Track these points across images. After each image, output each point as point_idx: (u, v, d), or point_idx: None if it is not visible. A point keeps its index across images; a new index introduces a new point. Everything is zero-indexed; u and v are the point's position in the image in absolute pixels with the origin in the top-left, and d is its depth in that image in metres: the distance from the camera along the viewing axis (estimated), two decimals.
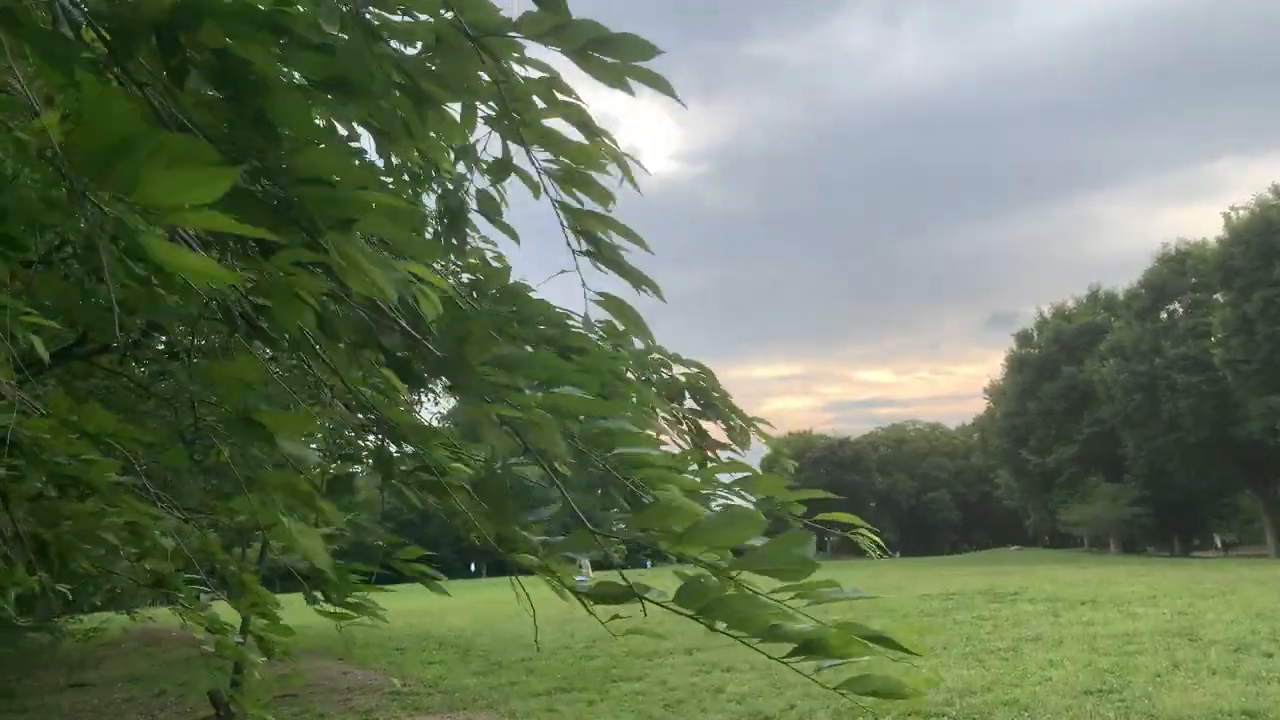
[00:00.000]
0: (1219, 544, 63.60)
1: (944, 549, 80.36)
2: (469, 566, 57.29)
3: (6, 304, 1.93)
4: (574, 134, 1.77)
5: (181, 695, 12.16)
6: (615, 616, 1.44)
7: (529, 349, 2.06)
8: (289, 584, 2.53)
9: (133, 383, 6.57)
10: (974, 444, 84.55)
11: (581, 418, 1.62)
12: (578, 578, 1.83)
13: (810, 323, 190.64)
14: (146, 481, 2.54)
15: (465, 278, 2.30)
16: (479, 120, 1.83)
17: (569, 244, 1.85)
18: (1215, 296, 47.63)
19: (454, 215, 1.92)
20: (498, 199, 2.22)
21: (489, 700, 10.86)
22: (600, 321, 2.14)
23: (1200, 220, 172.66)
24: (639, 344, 2.45)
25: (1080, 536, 63.88)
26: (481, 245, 2.63)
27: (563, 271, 2.05)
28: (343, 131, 1.95)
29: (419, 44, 1.57)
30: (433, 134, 1.75)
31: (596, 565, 1.94)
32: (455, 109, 1.79)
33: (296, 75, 1.48)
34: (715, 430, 2.60)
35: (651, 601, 1.42)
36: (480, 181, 2.17)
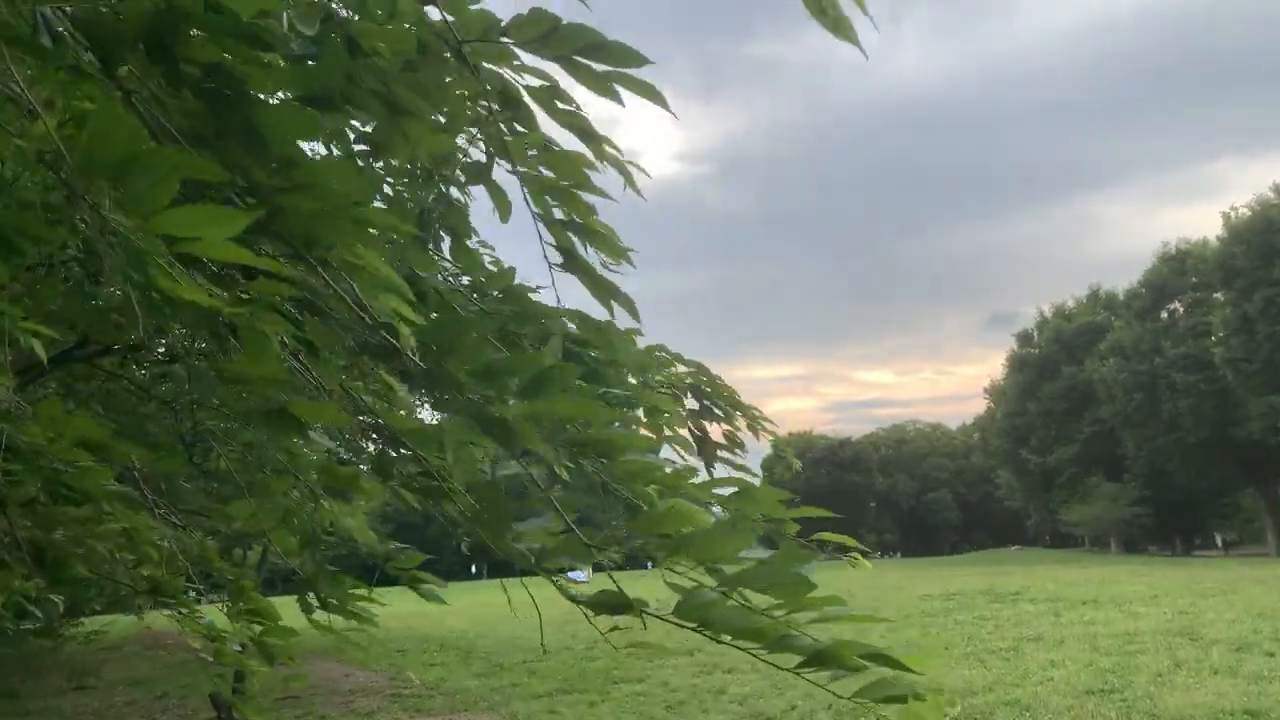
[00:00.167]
0: (1220, 543, 63.56)
1: (944, 549, 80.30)
2: (470, 568, 57.24)
3: (4, 309, 1.93)
4: (572, 142, 1.76)
5: (183, 698, 12.16)
6: (615, 628, 1.42)
7: (528, 349, 2.07)
8: (291, 585, 2.54)
9: (134, 385, 6.57)
10: (974, 444, 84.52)
11: (577, 425, 1.62)
12: (575, 575, 1.83)
13: (811, 323, 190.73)
14: (143, 488, 2.54)
15: (464, 280, 2.29)
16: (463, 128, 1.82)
17: (545, 256, 1.84)
18: (1215, 296, 47.62)
19: (425, 221, 1.91)
20: (465, 207, 2.21)
21: (490, 702, 10.85)
22: (603, 321, 2.14)
23: (1200, 220, 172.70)
24: (641, 343, 2.45)
25: (1081, 536, 63.85)
26: (478, 249, 2.63)
27: (539, 288, 2.05)
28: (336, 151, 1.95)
29: (399, 53, 1.56)
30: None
31: (597, 566, 1.94)
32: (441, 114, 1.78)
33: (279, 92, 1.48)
34: (714, 432, 2.60)
35: (651, 615, 1.40)
36: (457, 191, 2.17)
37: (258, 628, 2.44)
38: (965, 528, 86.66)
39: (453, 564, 49.42)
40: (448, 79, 1.63)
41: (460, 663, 14.19)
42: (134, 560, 2.55)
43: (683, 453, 2.62)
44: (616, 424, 1.88)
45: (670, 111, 1.62)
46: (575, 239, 1.80)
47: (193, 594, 2.77)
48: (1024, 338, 65.44)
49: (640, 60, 1.53)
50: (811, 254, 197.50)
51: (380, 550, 2.34)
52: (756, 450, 2.97)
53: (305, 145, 1.95)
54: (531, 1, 1.50)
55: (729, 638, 1.35)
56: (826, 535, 2.25)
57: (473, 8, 1.52)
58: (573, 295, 2.02)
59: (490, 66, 1.62)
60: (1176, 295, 52.60)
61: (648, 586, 1.59)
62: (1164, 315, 53.00)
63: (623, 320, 2.07)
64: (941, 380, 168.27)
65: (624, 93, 1.58)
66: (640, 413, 2.27)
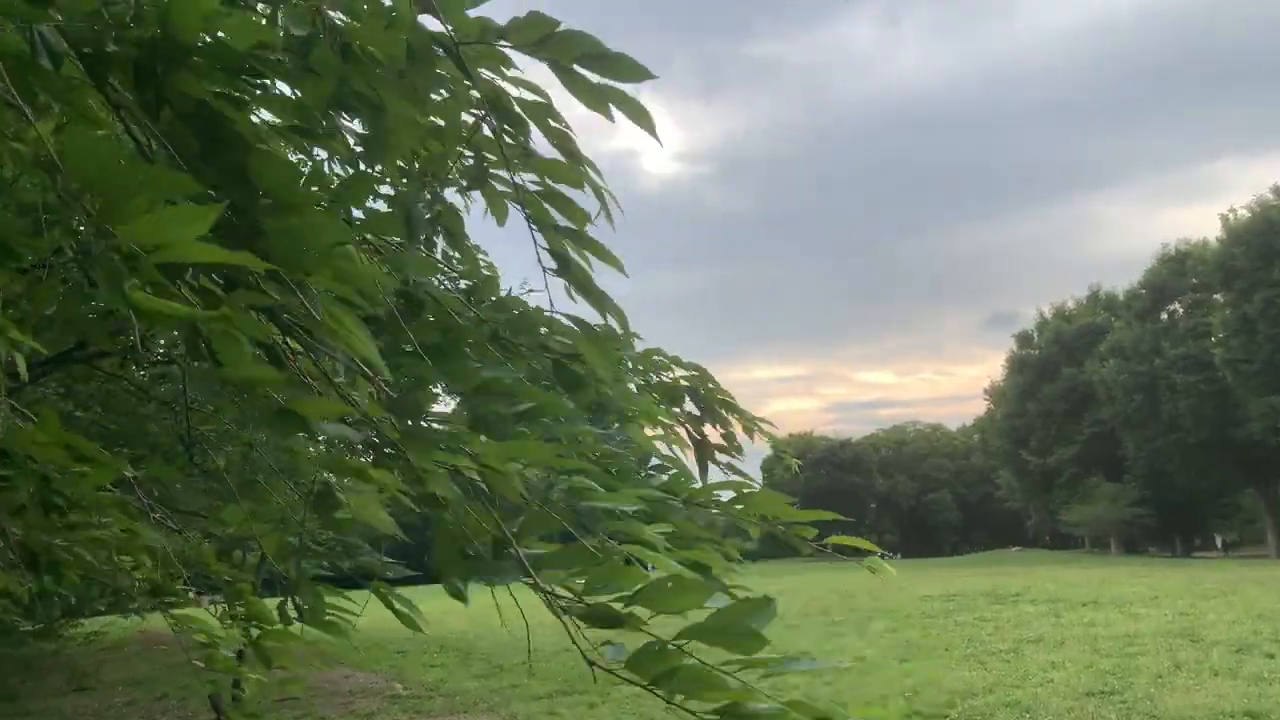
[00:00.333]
0: (1219, 544, 63.57)
1: (945, 550, 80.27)
2: None
3: None
4: (556, 154, 1.75)
5: (183, 699, 12.15)
6: (607, 642, 1.40)
7: (523, 353, 2.06)
8: (287, 588, 2.53)
9: (134, 386, 6.57)
10: (974, 445, 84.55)
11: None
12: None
13: (811, 323, 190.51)
14: (139, 493, 2.53)
15: (463, 284, 2.29)
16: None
17: (541, 263, 1.83)
18: (1215, 297, 47.63)
19: (413, 221, 1.90)
20: (464, 211, 2.20)
21: (490, 703, 10.85)
22: (600, 326, 2.13)
23: (1201, 220, 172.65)
24: (640, 345, 2.44)
25: (1081, 537, 63.85)
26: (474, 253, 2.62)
27: (531, 290, 2.04)
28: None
29: (390, 57, 1.54)
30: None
31: None
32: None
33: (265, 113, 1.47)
34: (712, 435, 2.59)
35: (604, 670, 1.37)
36: (458, 194, 2.16)
37: (255, 631, 2.42)
38: (965, 528, 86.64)
39: None
40: (442, 85, 1.63)
41: (460, 664, 14.19)
42: (130, 564, 2.54)
43: (682, 449, 2.62)
44: (617, 434, 1.89)
45: (656, 138, 1.59)
46: (569, 244, 1.79)
47: (190, 595, 2.76)
48: (1024, 339, 65.48)
49: (641, 73, 1.51)
50: (811, 254, 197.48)
51: (376, 564, 2.33)
52: (756, 452, 2.96)
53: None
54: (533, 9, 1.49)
55: (680, 698, 1.29)
56: (841, 539, 2.25)
57: (471, 14, 1.50)
58: (569, 299, 2.01)
59: (487, 75, 1.60)
60: (1176, 296, 52.62)
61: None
62: (1164, 316, 53.02)
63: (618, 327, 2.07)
64: (942, 381, 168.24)
65: (625, 89, 1.57)
66: (637, 422, 2.26)
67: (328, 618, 2.18)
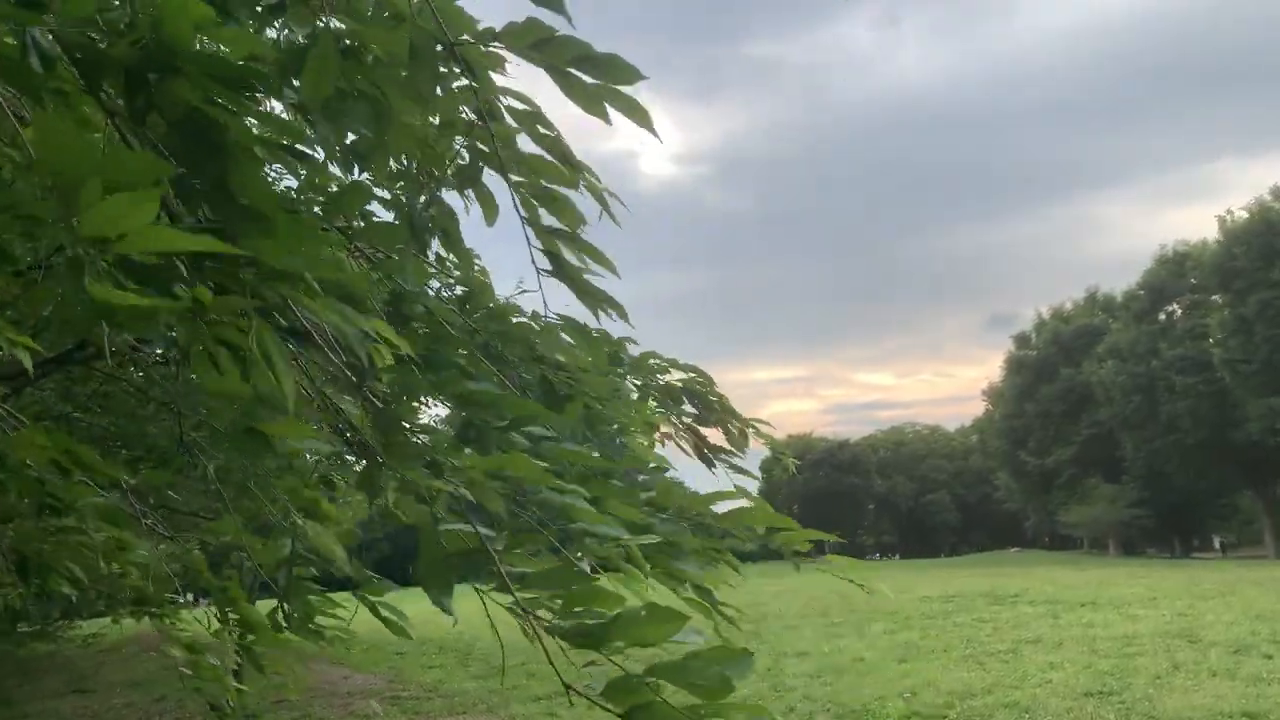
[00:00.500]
0: (1218, 545, 63.59)
1: (943, 551, 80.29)
2: None
3: None
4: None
5: (181, 701, 12.14)
6: (591, 663, 1.39)
7: (514, 364, 2.06)
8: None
9: (132, 387, 6.56)
10: (973, 446, 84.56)
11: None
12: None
13: (810, 324, 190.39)
14: (131, 499, 2.52)
15: (459, 290, 2.28)
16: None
17: (534, 263, 1.83)
18: (1214, 298, 47.67)
19: (415, 226, 1.90)
20: (460, 211, 2.20)
21: (489, 704, 10.84)
22: (597, 330, 2.13)
23: (1201, 220, 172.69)
24: (635, 350, 2.45)
25: (1079, 538, 63.84)
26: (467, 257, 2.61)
27: (525, 291, 2.04)
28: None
29: (391, 56, 1.55)
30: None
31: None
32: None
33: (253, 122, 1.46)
34: (715, 435, 2.60)
35: (580, 694, 1.36)
36: (454, 194, 2.16)
37: (249, 636, 2.41)
38: (964, 529, 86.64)
39: None
40: (439, 84, 1.63)
41: (459, 665, 14.18)
42: (119, 571, 2.53)
43: (688, 447, 2.62)
44: (618, 436, 1.88)
45: (654, 133, 1.60)
46: (563, 245, 1.79)
47: (181, 602, 2.75)
48: (1022, 340, 65.50)
49: (634, 75, 1.52)
50: (811, 254, 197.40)
51: (354, 573, 2.32)
52: (755, 453, 2.96)
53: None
54: (531, 13, 1.50)
55: None
56: (836, 557, 2.23)
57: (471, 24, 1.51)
58: (561, 298, 2.01)
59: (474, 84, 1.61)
60: (1175, 297, 52.65)
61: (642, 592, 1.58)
62: (1162, 317, 53.05)
63: (615, 328, 2.07)
64: (941, 382, 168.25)
65: (620, 92, 1.57)
66: (630, 430, 2.26)
67: (317, 625, 2.18)
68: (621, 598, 1.41)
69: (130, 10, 1.23)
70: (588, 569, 1.60)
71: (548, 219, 1.82)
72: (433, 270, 2.34)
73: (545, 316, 2.03)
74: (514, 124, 1.67)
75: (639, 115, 1.57)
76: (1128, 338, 52.24)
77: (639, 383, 2.51)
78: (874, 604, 18.59)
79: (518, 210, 1.79)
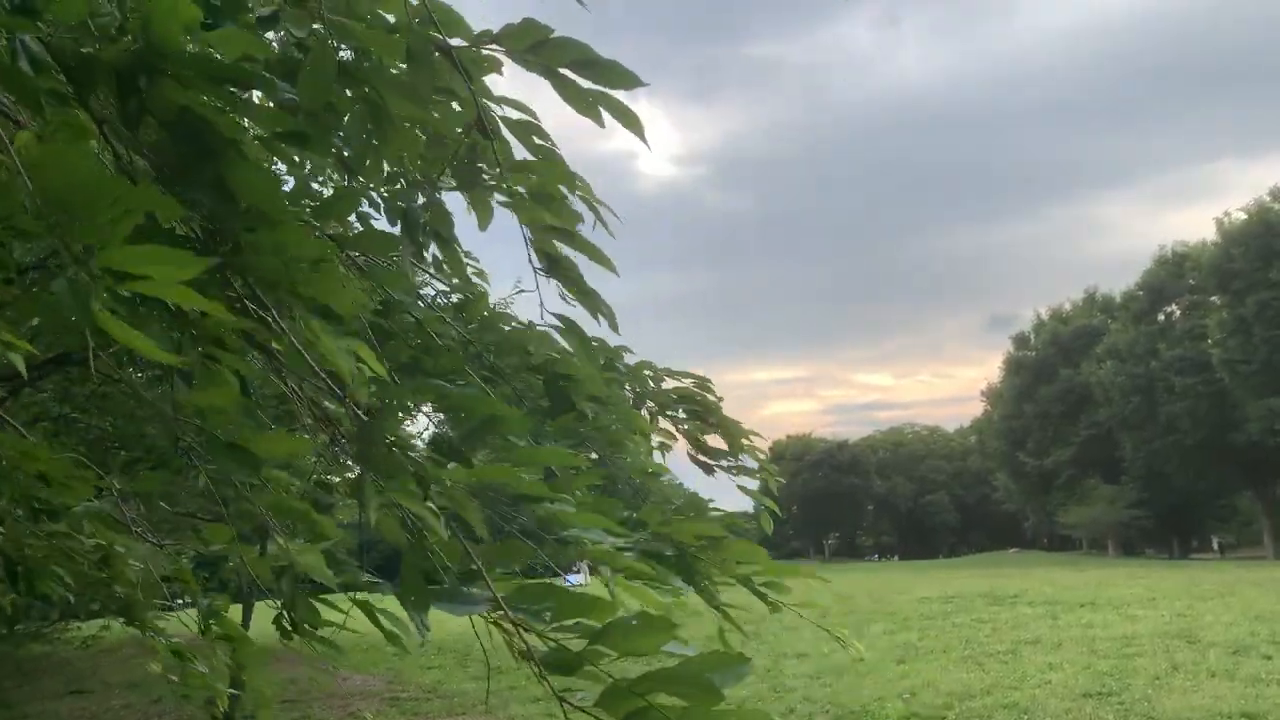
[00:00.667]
0: (1216, 546, 63.60)
1: (942, 551, 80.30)
2: None
3: None
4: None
5: (179, 702, 12.12)
6: (568, 690, 1.38)
7: (506, 375, 2.05)
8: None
9: (130, 388, 6.56)
10: (972, 447, 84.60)
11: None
12: (571, 578, 1.82)
13: (810, 325, 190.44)
14: (121, 506, 2.51)
15: (455, 297, 2.27)
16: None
17: (531, 262, 1.83)
18: (1212, 299, 47.70)
19: (410, 228, 1.89)
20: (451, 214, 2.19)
21: (488, 705, 10.84)
22: (596, 340, 2.12)
23: (1201, 221, 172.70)
24: (631, 358, 2.44)
25: (1079, 539, 63.89)
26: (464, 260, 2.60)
27: (522, 290, 2.04)
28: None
29: (389, 59, 1.54)
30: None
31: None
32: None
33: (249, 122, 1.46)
34: (715, 440, 2.59)
35: (574, 706, 1.35)
36: (448, 196, 2.15)
37: (231, 646, 2.39)
38: (963, 530, 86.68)
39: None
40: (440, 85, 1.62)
41: (458, 665, 14.17)
42: (108, 578, 2.52)
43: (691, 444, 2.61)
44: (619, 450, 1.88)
45: (645, 142, 1.60)
46: (560, 245, 1.79)
47: (173, 606, 2.74)
48: (1020, 340, 65.54)
49: (633, 81, 1.51)
50: (811, 255, 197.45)
51: (350, 578, 2.30)
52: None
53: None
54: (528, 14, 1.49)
55: None
56: (819, 579, 2.22)
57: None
58: (560, 299, 2.00)
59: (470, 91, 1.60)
60: (1174, 298, 52.69)
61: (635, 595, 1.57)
62: (1161, 318, 53.08)
63: (613, 335, 2.06)
64: (941, 383, 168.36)
65: (618, 95, 1.57)
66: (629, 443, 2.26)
67: (322, 634, 2.17)
68: (613, 606, 1.40)
69: (120, 14, 1.22)
70: (586, 572, 1.60)
71: (546, 218, 1.82)
72: (429, 274, 2.33)
73: (542, 319, 2.03)
74: (509, 135, 1.66)
75: (632, 122, 1.57)
76: (1127, 338, 52.27)
77: (636, 390, 2.51)
78: (874, 605, 18.59)
79: (515, 212, 1.79)
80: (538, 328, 2.00)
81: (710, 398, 2.53)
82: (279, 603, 2.10)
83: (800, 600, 2.23)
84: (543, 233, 1.77)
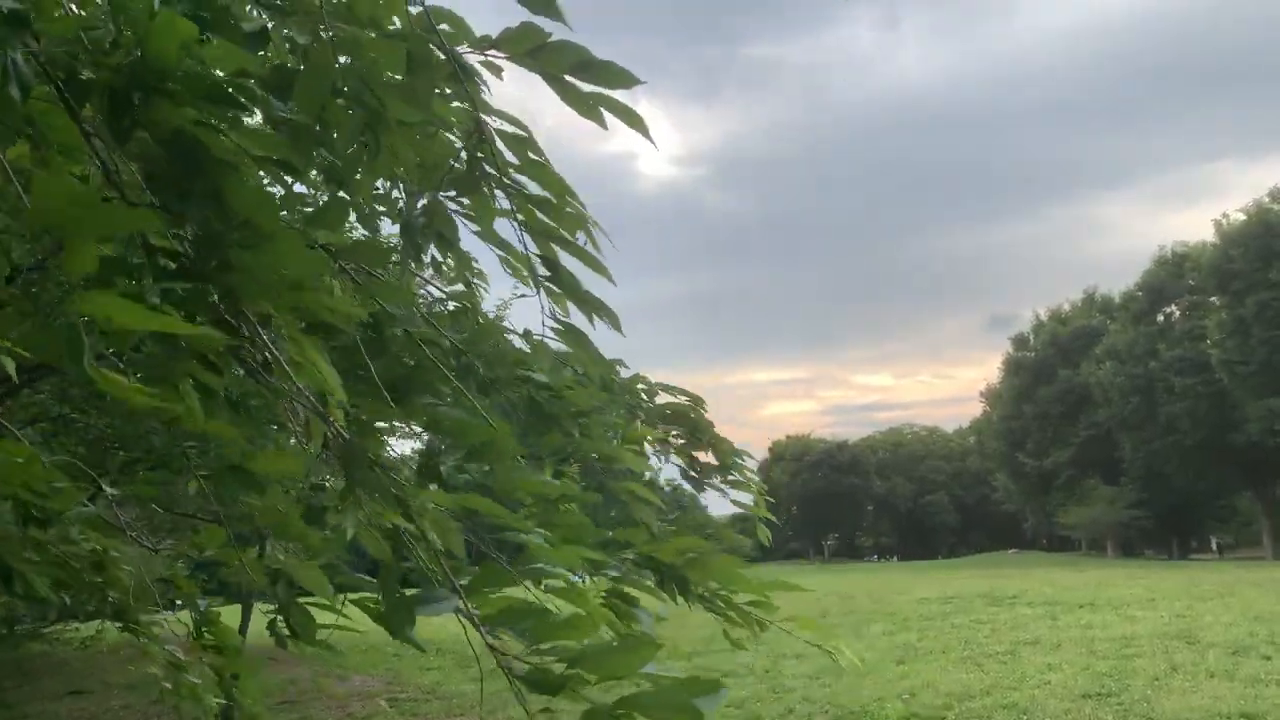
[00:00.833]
0: (1215, 546, 63.60)
1: (942, 552, 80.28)
2: None
3: None
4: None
5: (178, 704, 12.12)
6: (546, 709, 1.37)
7: (498, 387, 2.04)
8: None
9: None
10: (971, 447, 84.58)
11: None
12: (572, 577, 1.81)
13: (810, 325, 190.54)
14: (116, 510, 2.51)
15: (451, 305, 2.26)
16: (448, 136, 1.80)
17: (532, 270, 1.82)
18: (1212, 299, 47.71)
19: (409, 229, 1.89)
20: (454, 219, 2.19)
21: (488, 706, 10.83)
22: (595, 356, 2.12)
23: (1201, 221, 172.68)
24: (625, 372, 2.44)
25: (1078, 539, 63.85)
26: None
27: (522, 295, 2.03)
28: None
29: (389, 65, 1.53)
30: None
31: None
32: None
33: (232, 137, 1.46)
34: (705, 455, 2.61)
35: (585, 697, 1.34)
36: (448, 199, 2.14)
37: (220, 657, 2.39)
38: (963, 530, 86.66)
39: None
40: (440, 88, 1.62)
41: (457, 666, 14.16)
42: (101, 582, 2.51)
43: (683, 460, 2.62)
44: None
45: (650, 139, 1.60)
46: (559, 250, 1.79)
47: (163, 615, 2.74)
48: (1020, 341, 65.53)
49: (631, 81, 1.51)
50: (811, 255, 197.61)
51: (346, 580, 2.30)
52: (756, 452, 2.96)
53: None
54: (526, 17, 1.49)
55: None
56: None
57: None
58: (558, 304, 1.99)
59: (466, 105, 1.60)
60: (1173, 298, 52.69)
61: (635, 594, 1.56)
62: (1160, 318, 53.08)
63: (608, 348, 2.06)
64: (941, 383, 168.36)
65: (619, 96, 1.57)
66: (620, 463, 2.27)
67: (321, 638, 2.17)
68: (594, 624, 1.39)
69: (115, 29, 1.22)
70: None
71: (545, 223, 1.81)
72: (426, 279, 2.32)
73: (543, 323, 2.02)
74: (505, 149, 1.66)
75: (635, 121, 1.57)
76: (1126, 339, 52.27)
77: (631, 403, 2.51)
78: (873, 605, 18.59)
79: (514, 215, 1.78)
80: (535, 336, 2.00)
81: (703, 418, 2.55)
82: (274, 607, 2.10)
83: (789, 614, 2.23)
84: (543, 239, 1.76)
